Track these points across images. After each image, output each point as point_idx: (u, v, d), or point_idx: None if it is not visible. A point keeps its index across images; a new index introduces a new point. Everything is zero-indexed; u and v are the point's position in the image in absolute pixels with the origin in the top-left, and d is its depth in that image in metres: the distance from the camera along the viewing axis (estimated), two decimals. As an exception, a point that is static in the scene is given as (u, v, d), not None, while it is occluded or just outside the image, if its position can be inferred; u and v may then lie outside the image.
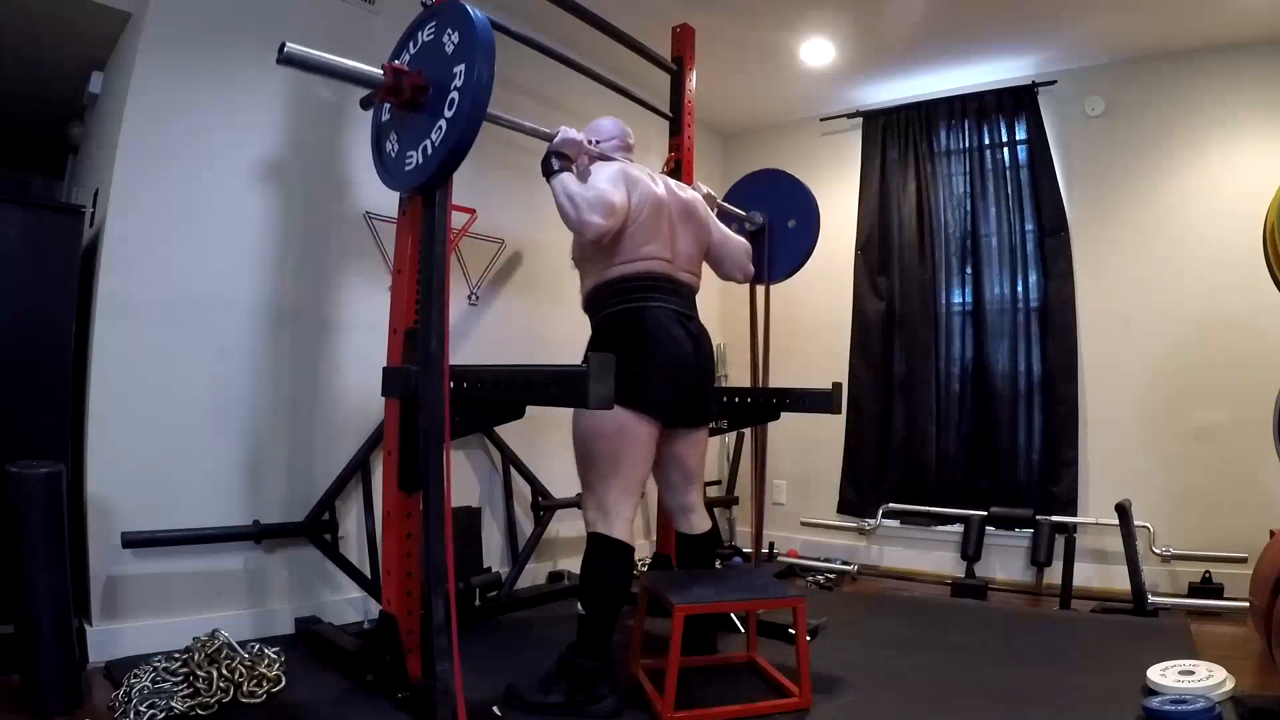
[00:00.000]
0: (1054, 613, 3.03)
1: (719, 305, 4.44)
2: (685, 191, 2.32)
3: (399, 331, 2.06)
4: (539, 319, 3.35)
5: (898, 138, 4.02)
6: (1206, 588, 3.03)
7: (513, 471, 3.09)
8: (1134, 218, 3.51)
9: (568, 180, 2.01)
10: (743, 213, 2.97)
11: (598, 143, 2.25)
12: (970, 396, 3.78)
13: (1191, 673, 1.97)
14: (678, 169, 3.01)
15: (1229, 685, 1.92)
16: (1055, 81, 3.61)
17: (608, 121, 2.35)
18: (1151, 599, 2.89)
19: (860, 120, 4.15)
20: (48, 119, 3.34)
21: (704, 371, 2.20)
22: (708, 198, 2.54)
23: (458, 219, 2.91)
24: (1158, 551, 3.21)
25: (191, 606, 2.28)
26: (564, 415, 2.09)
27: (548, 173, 2.07)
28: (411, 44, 1.86)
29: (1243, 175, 3.24)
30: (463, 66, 1.64)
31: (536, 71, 3.28)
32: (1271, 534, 2.49)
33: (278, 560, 2.50)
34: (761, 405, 2.77)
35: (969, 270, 3.81)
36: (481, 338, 3.12)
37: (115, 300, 2.22)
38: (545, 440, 3.19)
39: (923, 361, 3.84)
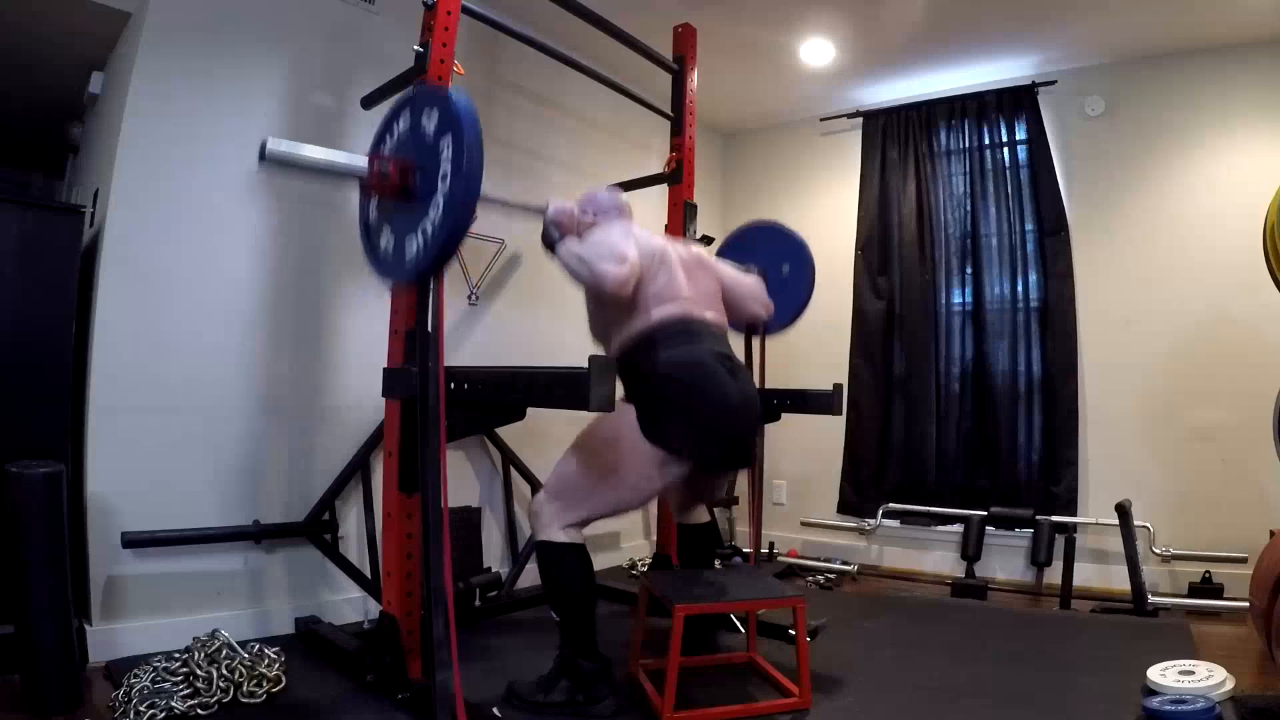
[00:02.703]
0: (1054, 613, 3.03)
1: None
2: (688, 245, 2.24)
3: (399, 332, 2.06)
4: (539, 319, 3.35)
5: (898, 138, 4.01)
6: (1206, 588, 3.03)
7: (513, 471, 3.09)
8: (1134, 218, 3.51)
9: (571, 243, 1.98)
10: (738, 265, 2.89)
11: (594, 214, 2.18)
12: (970, 396, 3.78)
13: (1191, 673, 1.96)
14: (679, 169, 3.01)
15: (1229, 685, 1.91)
16: (1055, 81, 3.61)
17: (603, 194, 2.25)
18: (1151, 599, 2.89)
19: (860, 120, 4.15)
20: (48, 119, 3.33)
21: (751, 417, 2.07)
22: None
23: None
24: (1158, 551, 3.21)
25: (191, 606, 2.28)
26: (564, 415, 2.08)
27: (549, 244, 2.07)
28: (389, 136, 1.81)
29: (1243, 175, 3.24)
30: (449, 137, 1.59)
31: (537, 71, 3.29)
32: (1271, 534, 2.49)
33: (278, 560, 2.50)
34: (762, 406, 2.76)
35: (969, 270, 3.81)
36: (482, 338, 3.12)
37: (115, 300, 2.22)
38: (545, 441, 3.18)
39: (923, 361, 3.84)
